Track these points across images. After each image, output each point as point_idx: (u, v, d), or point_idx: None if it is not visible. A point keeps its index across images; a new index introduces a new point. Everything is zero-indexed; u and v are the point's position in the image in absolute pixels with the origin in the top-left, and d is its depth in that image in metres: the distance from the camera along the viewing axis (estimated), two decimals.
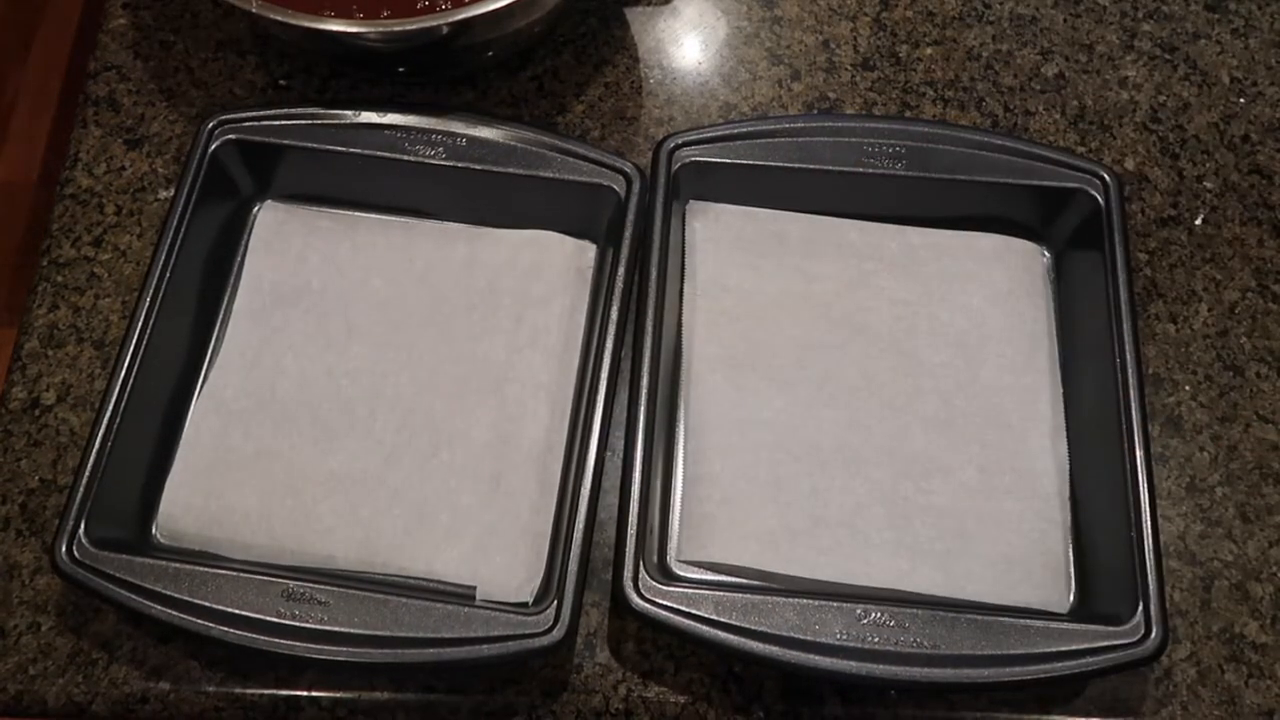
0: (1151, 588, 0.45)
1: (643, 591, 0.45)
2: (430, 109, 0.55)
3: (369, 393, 0.51)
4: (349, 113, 0.55)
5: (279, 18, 0.51)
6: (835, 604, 0.45)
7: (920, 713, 0.48)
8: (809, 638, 0.45)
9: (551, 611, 0.44)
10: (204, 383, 0.52)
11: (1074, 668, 0.44)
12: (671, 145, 0.54)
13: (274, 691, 0.47)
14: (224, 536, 0.48)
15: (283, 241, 0.55)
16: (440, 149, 0.54)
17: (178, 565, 0.46)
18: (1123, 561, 0.46)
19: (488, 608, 0.45)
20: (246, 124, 0.54)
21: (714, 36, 0.64)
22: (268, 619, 0.44)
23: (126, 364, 0.49)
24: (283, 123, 0.54)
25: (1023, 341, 0.53)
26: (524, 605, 0.46)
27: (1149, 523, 0.47)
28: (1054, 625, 0.45)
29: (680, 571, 0.48)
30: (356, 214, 0.56)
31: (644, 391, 0.49)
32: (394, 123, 0.54)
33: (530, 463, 0.50)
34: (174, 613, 0.44)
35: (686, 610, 0.45)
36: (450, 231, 0.55)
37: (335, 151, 0.54)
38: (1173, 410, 0.54)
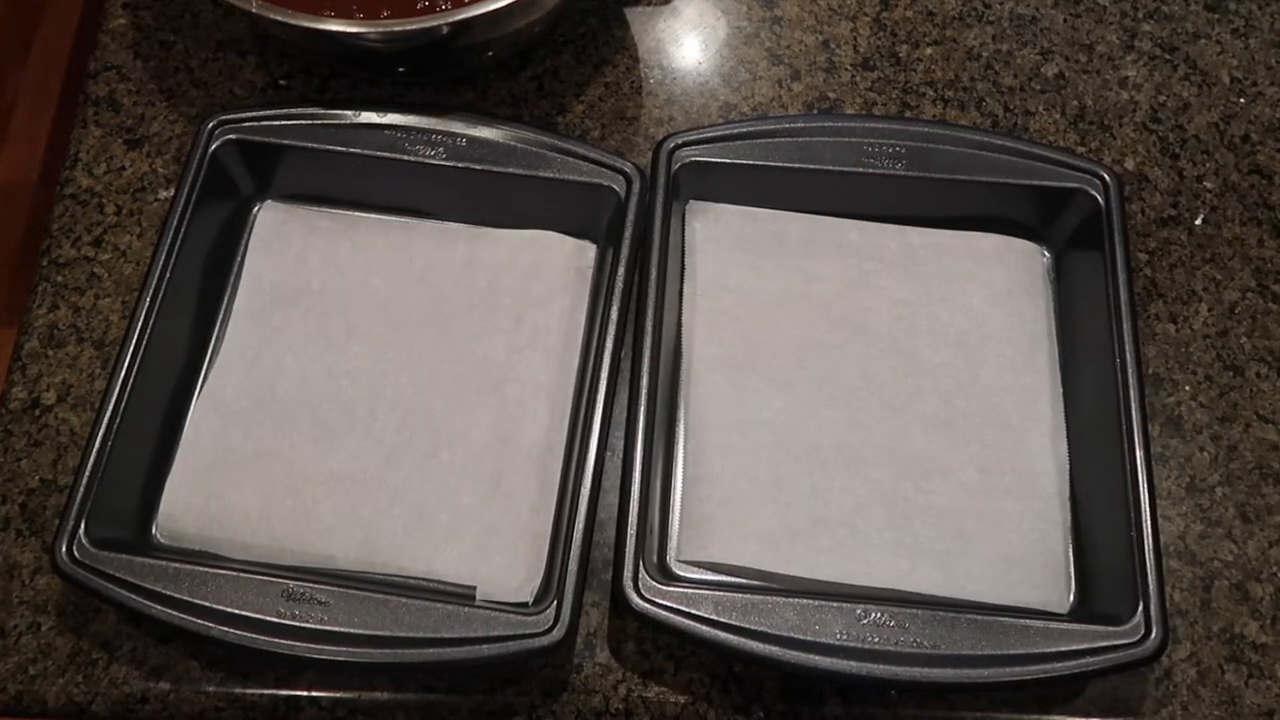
0: (1151, 588, 0.45)
1: (643, 591, 0.45)
2: (430, 109, 0.55)
3: (369, 393, 0.51)
4: (349, 113, 0.55)
5: (279, 18, 0.51)
6: (835, 604, 0.45)
7: (920, 713, 0.48)
8: (809, 638, 0.45)
9: (551, 611, 0.44)
10: (204, 383, 0.52)
11: (1074, 668, 0.44)
12: (671, 145, 0.54)
13: (274, 691, 0.47)
14: (224, 536, 0.48)
15: (283, 241, 0.55)
16: (440, 149, 0.54)
17: (178, 565, 0.46)
18: (1123, 561, 0.46)
19: (488, 608, 0.45)
20: (246, 124, 0.54)
21: (714, 36, 0.64)
22: (268, 619, 0.44)
23: (126, 364, 0.49)
24: (283, 123, 0.54)
25: (1023, 341, 0.53)
26: (524, 605, 0.46)
27: (1149, 523, 0.47)
28: (1054, 625, 0.45)
29: (680, 571, 0.48)
30: (356, 214, 0.56)
31: (644, 391, 0.49)
32: (394, 123, 0.54)
33: (530, 463, 0.50)
34: (174, 613, 0.44)
35: (686, 610, 0.45)
36: (450, 231, 0.55)
37: (335, 151, 0.54)
38: (1173, 410, 0.54)
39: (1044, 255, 0.56)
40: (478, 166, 0.54)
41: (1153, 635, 0.45)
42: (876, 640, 0.45)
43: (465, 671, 0.47)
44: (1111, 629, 0.45)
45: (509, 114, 0.60)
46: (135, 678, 0.47)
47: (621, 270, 0.52)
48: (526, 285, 0.54)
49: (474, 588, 0.47)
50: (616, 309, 0.51)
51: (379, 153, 0.54)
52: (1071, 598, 0.49)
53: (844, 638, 0.45)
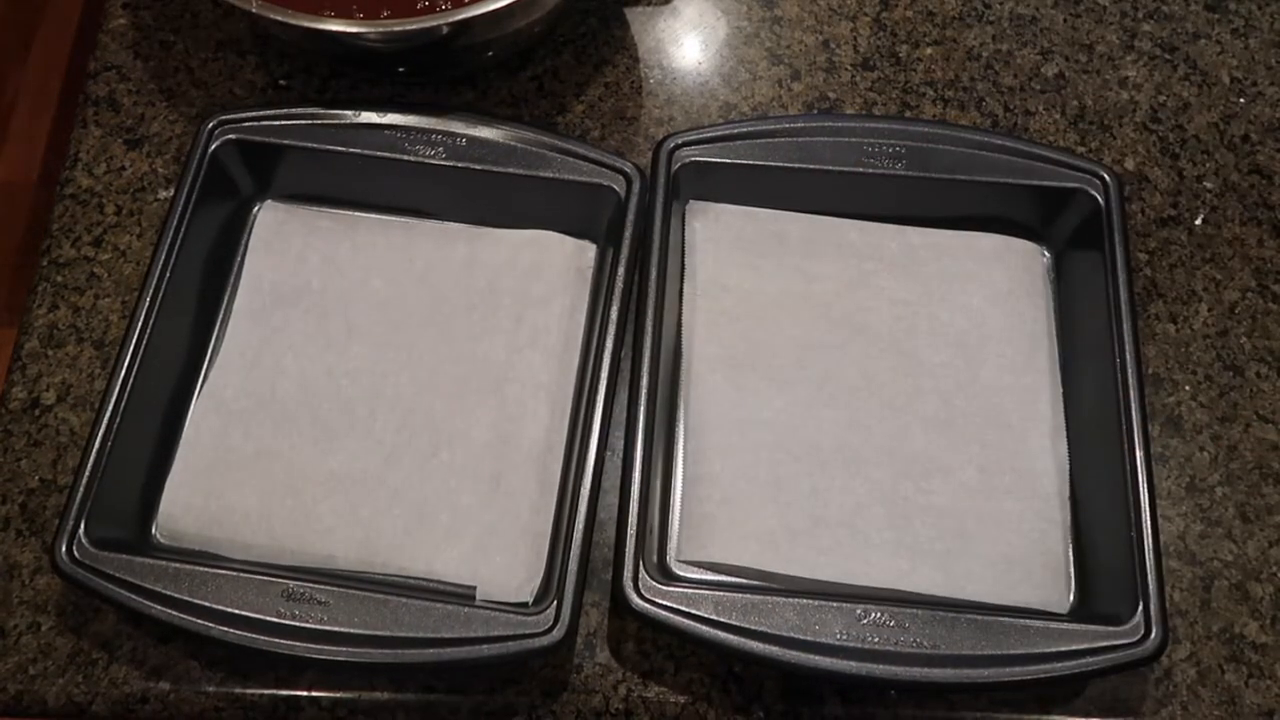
0: (1151, 588, 0.45)
1: (643, 591, 0.45)
2: (430, 109, 0.55)
3: (369, 393, 0.51)
4: (349, 113, 0.55)
5: (279, 18, 0.51)
6: (835, 604, 0.45)
7: (920, 713, 0.48)
8: (809, 638, 0.45)
9: (551, 611, 0.44)
10: (204, 383, 0.52)
11: (1074, 668, 0.44)
12: (671, 145, 0.54)
13: (274, 691, 0.47)
14: (224, 536, 0.48)
15: (283, 241, 0.55)
16: (440, 149, 0.54)
17: (178, 565, 0.46)
18: (1123, 561, 0.46)
19: (488, 608, 0.45)
20: (246, 124, 0.54)
21: (714, 36, 0.64)
22: (268, 619, 0.44)
23: (126, 364, 0.49)
24: (283, 123, 0.54)
25: (1023, 341, 0.53)
26: (524, 605, 0.46)
27: (1149, 523, 0.47)
28: (1054, 625, 0.45)
29: (680, 571, 0.48)
30: (356, 214, 0.56)
31: (644, 391, 0.49)
32: (394, 123, 0.54)
33: (530, 463, 0.50)
34: (174, 613, 0.44)
35: (686, 610, 0.45)
36: (450, 231, 0.55)
37: (335, 151, 0.54)
38: (1173, 410, 0.54)
39: (1044, 255, 0.56)
40: (478, 166, 0.54)
41: (1153, 635, 0.45)
42: (876, 640, 0.45)
43: (465, 671, 0.47)
44: (1111, 629, 0.45)
45: (509, 114, 0.60)
46: (135, 678, 0.47)
47: (621, 270, 0.52)
48: (526, 285, 0.54)
49: (474, 588, 0.47)
50: (616, 309, 0.51)
51: (379, 153, 0.54)
52: (1071, 598, 0.49)
53: (844, 638, 0.45)
